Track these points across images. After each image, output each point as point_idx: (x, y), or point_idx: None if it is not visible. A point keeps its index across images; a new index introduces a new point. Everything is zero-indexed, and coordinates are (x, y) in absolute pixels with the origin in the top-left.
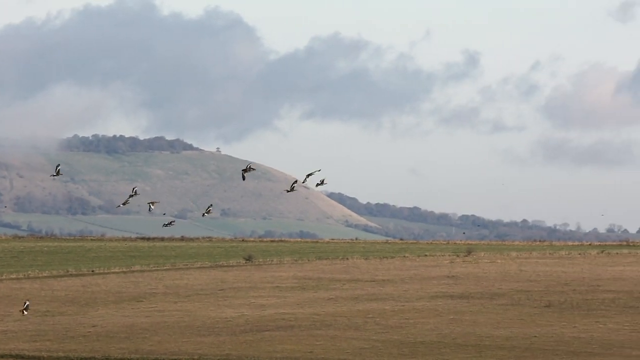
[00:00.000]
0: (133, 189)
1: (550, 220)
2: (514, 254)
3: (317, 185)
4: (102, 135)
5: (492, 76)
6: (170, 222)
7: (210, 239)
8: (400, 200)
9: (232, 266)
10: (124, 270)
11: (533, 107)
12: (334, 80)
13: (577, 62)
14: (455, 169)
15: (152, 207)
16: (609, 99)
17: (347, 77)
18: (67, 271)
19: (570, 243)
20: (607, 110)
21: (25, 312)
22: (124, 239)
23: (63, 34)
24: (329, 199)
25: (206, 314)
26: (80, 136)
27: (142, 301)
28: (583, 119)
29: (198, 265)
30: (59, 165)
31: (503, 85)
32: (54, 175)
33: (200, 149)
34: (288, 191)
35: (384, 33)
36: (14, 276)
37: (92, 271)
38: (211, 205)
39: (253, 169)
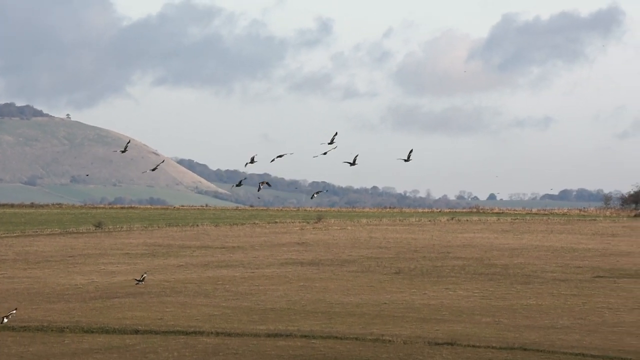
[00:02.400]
0: None
1: (401, 187)
2: (364, 220)
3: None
4: None
5: (344, 43)
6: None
7: (60, 205)
8: (251, 166)
9: (82, 233)
10: None
11: (385, 74)
12: (186, 46)
13: (430, 29)
14: (307, 136)
15: None
16: (461, 66)
17: (199, 44)
18: None
19: (420, 210)
20: (458, 77)
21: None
22: None
23: None
24: (179, 165)
25: (56, 281)
26: None
27: None
28: (435, 86)
29: (48, 232)
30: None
31: (355, 51)
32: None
33: (51, 115)
34: (153, 170)
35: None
36: None
37: None
38: (265, 183)
39: (269, 185)
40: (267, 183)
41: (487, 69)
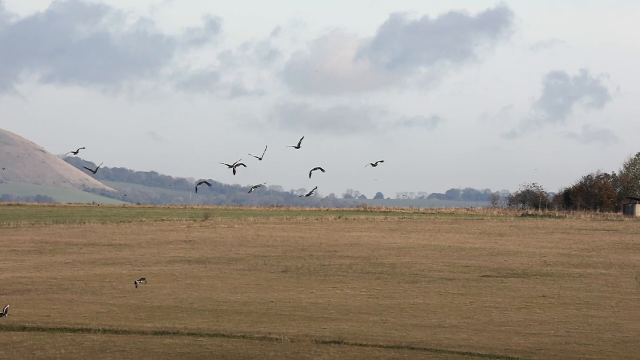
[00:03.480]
0: None
1: (288, 185)
2: (251, 219)
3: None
4: None
5: (232, 41)
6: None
7: None
8: (138, 164)
9: None
10: None
11: (273, 72)
12: (74, 44)
13: (318, 28)
14: (194, 134)
15: None
16: (349, 65)
17: (87, 42)
18: None
19: (307, 208)
20: (346, 76)
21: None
22: None
23: None
24: (66, 162)
25: None
26: None
27: None
28: (322, 85)
29: None
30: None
31: (243, 50)
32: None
33: None
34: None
35: None
36: None
37: None
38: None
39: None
40: (206, 182)
41: (375, 69)
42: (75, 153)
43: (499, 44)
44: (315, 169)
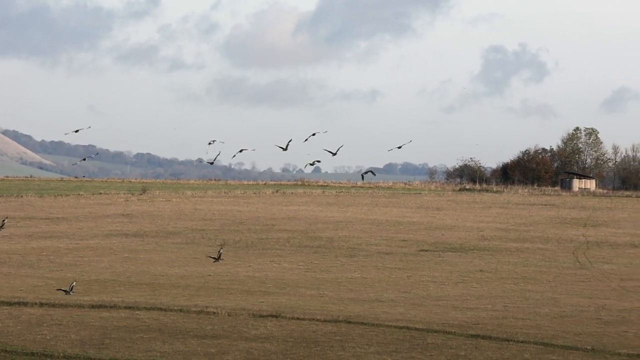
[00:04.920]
0: None
1: (226, 159)
2: (189, 192)
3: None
4: None
5: (172, 15)
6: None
7: None
8: (76, 138)
9: None
10: None
11: (213, 46)
12: (13, 17)
13: (257, 1)
14: (132, 107)
15: None
16: (288, 39)
17: (26, 15)
18: None
19: (245, 182)
20: (285, 50)
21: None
22: None
23: None
24: (3, 136)
25: None
26: None
27: None
28: (261, 58)
29: None
30: None
31: (183, 23)
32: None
33: None
34: None
35: None
36: None
37: None
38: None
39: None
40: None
41: (314, 42)
42: (76, 132)
43: (439, 19)
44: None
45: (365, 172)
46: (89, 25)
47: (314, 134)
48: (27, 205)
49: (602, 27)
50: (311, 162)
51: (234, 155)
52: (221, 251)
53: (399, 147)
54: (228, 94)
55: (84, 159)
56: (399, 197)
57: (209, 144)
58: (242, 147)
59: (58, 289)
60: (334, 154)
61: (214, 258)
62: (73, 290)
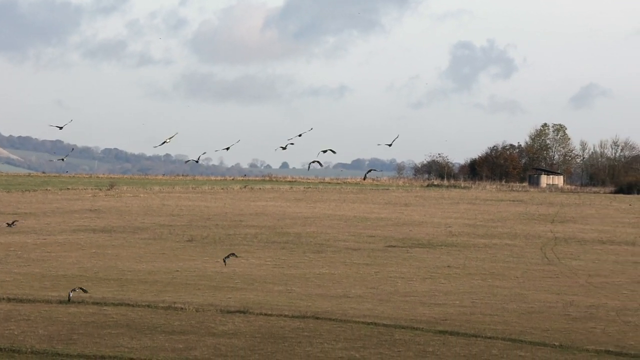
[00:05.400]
0: None
1: (194, 154)
2: (157, 188)
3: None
4: None
5: (140, 10)
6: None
7: None
8: (44, 133)
9: None
10: None
11: (181, 41)
12: None
13: None
14: (100, 102)
15: None
16: (257, 34)
17: None
18: None
19: (213, 178)
20: (254, 46)
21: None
22: None
23: None
24: None
25: None
26: None
27: None
28: (230, 54)
29: None
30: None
31: (151, 19)
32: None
33: None
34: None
35: None
36: None
37: None
38: None
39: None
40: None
41: (282, 38)
42: (60, 128)
43: (407, 14)
44: (325, 151)
45: (369, 171)
46: (57, 21)
47: (300, 135)
48: None
49: (571, 23)
50: (313, 161)
51: (217, 150)
52: (230, 257)
53: (389, 145)
54: (196, 89)
55: (63, 159)
56: (367, 193)
57: (225, 149)
58: (229, 145)
59: (77, 289)
60: (335, 152)
61: (232, 255)
62: (83, 290)
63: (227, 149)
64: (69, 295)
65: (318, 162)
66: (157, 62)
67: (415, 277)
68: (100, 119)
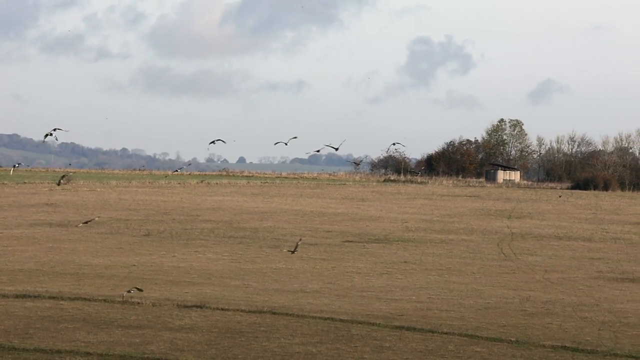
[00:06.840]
0: None
1: (150, 149)
2: (113, 182)
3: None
4: None
5: (98, 4)
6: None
7: None
8: (1, 126)
9: None
10: None
11: (138, 36)
12: None
13: None
14: (57, 96)
15: None
16: (215, 29)
17: None
18: None
19: (169, 172)
20: (211, 40)
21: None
22: None
23: None
24: None
25: None
26: None
27: None
28: (187, 48)
29: None
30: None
31: (109, 13)
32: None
33: None
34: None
35: None
36: None
37: None
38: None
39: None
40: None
41: (240, 33)
42: (50, 135)
43: (365, 10)
44: (214, 141)
45: (358, 163)
46: (15, 15)
47: (295, 137)
48: None
49: (529, 19)
50: (317, 150)
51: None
52: (299, 243)
53: (336, 149)
54: (152, 83)
55: (16, 165)
56: (324, 187)
57: (211, 143)
58: (216, 139)
59: (133, 289)
60: (336, 149)
61: (291, 252)
62: (138, 289)
63: (214, 142)
64: (123, 295)
65: (332, 146)
66: (114, 57)
67: (372, 272)
68: (57, 113)
